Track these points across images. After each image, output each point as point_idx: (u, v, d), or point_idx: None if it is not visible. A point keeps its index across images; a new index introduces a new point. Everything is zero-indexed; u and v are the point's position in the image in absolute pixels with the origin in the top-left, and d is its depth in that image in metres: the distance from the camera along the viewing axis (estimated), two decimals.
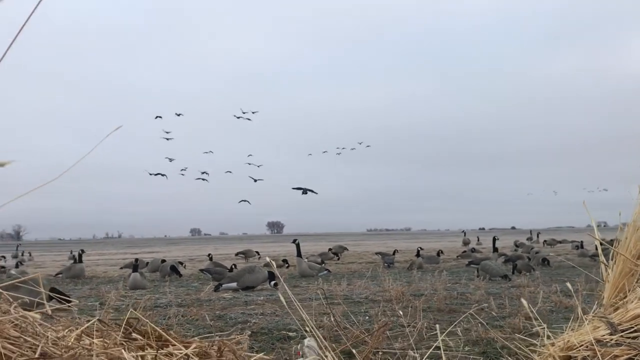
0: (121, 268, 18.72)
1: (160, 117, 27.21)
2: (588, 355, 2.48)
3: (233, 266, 14.48)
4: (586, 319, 2.76)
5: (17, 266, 19.20)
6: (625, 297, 3.11)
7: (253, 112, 28.40)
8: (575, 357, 2.52)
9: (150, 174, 26.89)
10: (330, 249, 22.30)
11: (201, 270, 14.91)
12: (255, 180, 25.18)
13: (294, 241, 15.30)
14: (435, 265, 17.14)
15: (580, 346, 2.55)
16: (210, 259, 17.86)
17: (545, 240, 31.03)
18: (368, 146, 33.33)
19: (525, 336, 3.67)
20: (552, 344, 2.74)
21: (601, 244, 3.76)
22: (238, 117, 28.36)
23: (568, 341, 2.64)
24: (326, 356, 2.35)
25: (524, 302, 3.02)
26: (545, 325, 2.98)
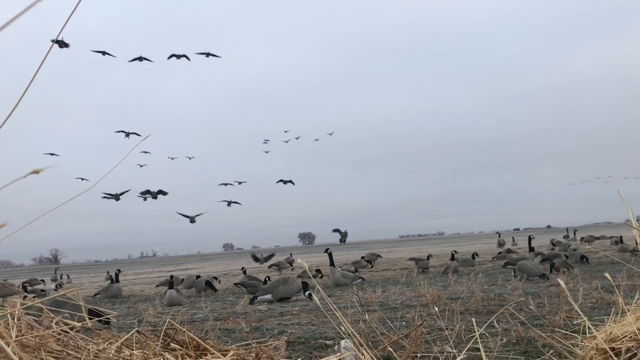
0: (157, 286, 18.94)
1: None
2: (632, 346, 2.41)
3: (267, 278, 14.51)
4: (628, 310, 2.69)
5: (56, 289, 19.60)
6: None
7: (265, 141, 29.31)
8: (619, 348, 2.46)
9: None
10: (363, 257, 22.21)
11: (235, 284, 14.99)
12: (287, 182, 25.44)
13: (326, 250, 15.28)
14: (471, 267, 16.91)
15: (623, 337, 2.48)
16: (244, 272, 17.96)
17: (582, 238, 30.37)
18: (331, 133, 33.26)
19: (567, 332, 3.60)
20: (594, 337, 2.67)
21: None
22: (265, 142, 29.24)
23: (611, 333, 2.58)
24: (364, 356, 2.34)
25: (566, 290, 2.95)
26: (586, 319, 2.91)
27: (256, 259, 27.20)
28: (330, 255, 14.91)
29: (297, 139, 29.77)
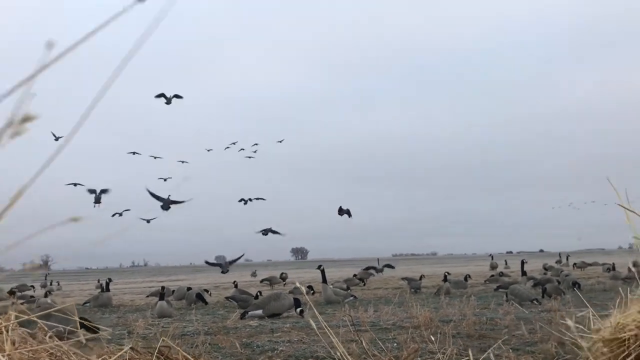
0: (147, 296, 18.82)
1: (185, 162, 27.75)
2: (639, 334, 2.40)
3: (258, 293, 14.44)
4: (631, 302, 2.68)
5: (45, 295, 19.42)
6: None
7: (254, 150, 28.94)
8: (626, 338, 2.44)
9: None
10: (355, 275, 22.15)
11: (227, 298, 14.92)
12: (248, 201, 24.95)
13: (319, 267, 15.24)
14: (463, 290, 16.87)
15: (632, 324, 2.47)
16: (236, 286, 17.86)
17: (575, 263, 30.40)
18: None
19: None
20: (598, 330, 2.66)
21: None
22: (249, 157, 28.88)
23: (618, 323, 2.56)
24: None
25: (569, 322, 2.93)
26: (591, 309, 2.91)
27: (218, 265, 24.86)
28: (322, 272, 14.87)
29: (255, 146, 29.20)
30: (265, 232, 21.35)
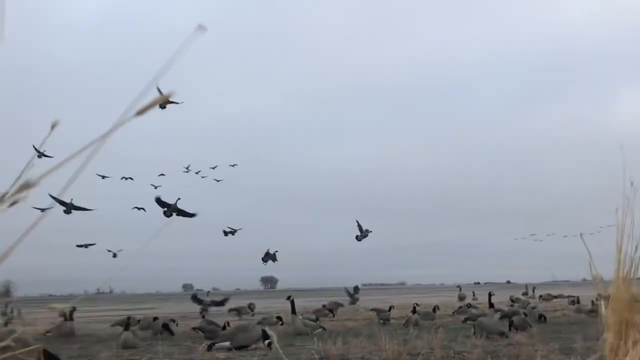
0: (112, 325, 18.37)
1: (163, 174, 27.42)
2: None
3: (226, 324, 14.26)
4: None
5: (5, 324, 18.83)
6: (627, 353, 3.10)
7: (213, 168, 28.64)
8: None
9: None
10: (324, 306, 22.05)
11: (194, 329, 14.67)
12: (232, 233, 24.71)
13: (289, 298, 15.16)
14: (432, 321, 16.94)
15: None
16: (203, 316, 17.63)
17: (541, 295, 30.82)
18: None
19: None
20: None
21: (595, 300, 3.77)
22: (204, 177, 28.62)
23: None
24: None
25: None
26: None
27: (199, 302, 23.95)
28: (292, 302, 14.79)
29: (213, 168, 29.11)
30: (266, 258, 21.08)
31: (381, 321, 17.31)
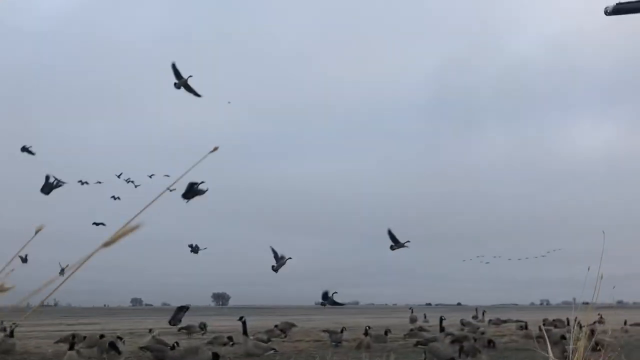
0: (56, 342, 17.73)
1: (100, 182, 26.79)
2: None
3: (175, 344, 13.95)
4: None
5: None
6: None
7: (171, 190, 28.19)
8: None
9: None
10: (276, 326, 21.80)
11: (141, 348, 14.31)
12: (195, 251, 24.21)
13: (241, 319, 14.98)
14: (384, 344, 17.02)
15: None
16: (152, 335, 17.20)
17: (490, 320, 31.29)
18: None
19: None
20: None
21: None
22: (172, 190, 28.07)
23: None
24: None
25: None
26: None
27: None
28: (244, 323, 14.63)
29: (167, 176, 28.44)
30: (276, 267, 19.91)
31: (333, 343, 17.27)
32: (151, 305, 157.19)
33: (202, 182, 16.31)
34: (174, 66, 16.56)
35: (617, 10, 1.36)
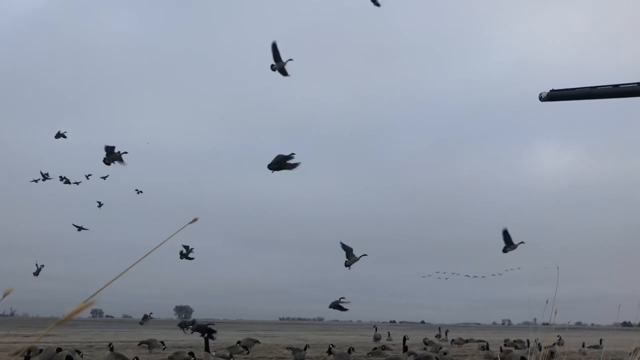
0: (11, 355, 17.17)
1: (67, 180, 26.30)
2: None
3: (135, 359, 13.68)
4: None
5: None
6: None
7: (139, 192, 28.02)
8: None
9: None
10: (239, 342, 21.55)
11: None
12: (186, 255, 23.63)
13: (203, 335, 14.79)
14: None
15: None
16: (111, 349, 16.82)
17: (453, 340, 31.54)
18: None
19: None
20: None
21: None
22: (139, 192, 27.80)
23: None
24: None
25: None
26: None
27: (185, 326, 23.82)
28: (206, 340, 14.44)
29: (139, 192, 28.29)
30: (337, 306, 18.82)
31: None
32: (112, 317, 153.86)
33: (293, 155, 15.36)
34: (274, 47, 15.69)
35: (551, 97, 1.45)
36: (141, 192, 29.32)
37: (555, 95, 1.51)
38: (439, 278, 25.63)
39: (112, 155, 17.73)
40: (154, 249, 1.68)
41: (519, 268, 23.05)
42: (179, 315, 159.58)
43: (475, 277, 25.12)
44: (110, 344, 18.06)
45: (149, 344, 21.80)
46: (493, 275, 23.38)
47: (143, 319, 32.05)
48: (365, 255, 16.74)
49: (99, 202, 26.75)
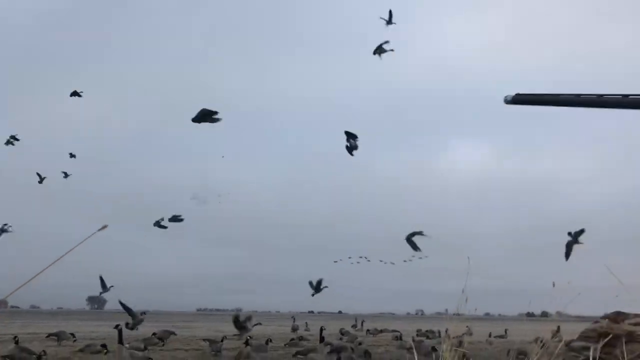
0: None
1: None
2: None
3: (42, 353, 13.14)
4: None
5: None
6: None
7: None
8: None
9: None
10: (154, 334, 21.12)
11: (3, 357, 13.32)
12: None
13: (117, 327, 14.41)
14: (264, 354, 17.08)
15: None
16: (16, 342, 16.05)
17: (368, 330, 32.36)
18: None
19: None
20: None
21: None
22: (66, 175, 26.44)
23: None
24: None
25: None
26: None
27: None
28: (120, 332, 14.09)
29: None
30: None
31: (213, 353, 17.07)
32: (18, 307, 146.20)
33: (217, 112, 15.70)
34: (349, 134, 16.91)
35: (516, 100, 1.54)
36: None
37: (519, 99, 1.59)
38: (351, 263, 26.19)
39: (204, 116, 16.66)
40: (62, 257, 1.66)
41: (426, 256, 24.21)
42: (92, 306, 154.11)
43: (386, 263, 25.81)
44: (15, 337, 17.25)
45: (58, 336, 20.94)
46: (404, 261, 24.29)
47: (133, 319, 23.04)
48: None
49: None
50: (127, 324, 20.80)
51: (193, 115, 15.40)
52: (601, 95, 1.35)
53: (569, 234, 17.62)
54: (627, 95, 1.29)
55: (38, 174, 24.35)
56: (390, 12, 18.53)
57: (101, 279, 19.13)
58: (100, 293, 20.92)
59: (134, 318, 20.09)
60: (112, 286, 20.75)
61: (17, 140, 23.03)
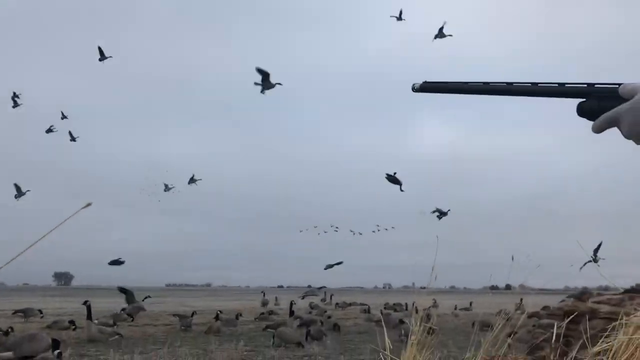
0: None
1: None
2: None
3: (9, 330, 12.99)
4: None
5: None
6: None
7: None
8: None
9: None
10: (123, 309, 21.04)
11: None
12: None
13: (85, 303, 14.31)
14: (234, 328, 17.21)
15: None
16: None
17: (337, 303, 32.80)
18: None
19: None
20: None
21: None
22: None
23: None
24: None
25: None
26: None
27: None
28: (88, 307, 14.00)
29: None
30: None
31: (183, 328, 17.12)
32: None
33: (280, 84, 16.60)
34: (261, 71, 16.42)
35: (423, 88, 1.56)
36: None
37: (427, 87, 1.59)
38: (318, 234, 26.35)
39: (267, 82, 16.44)
40: (41, 239, 1.68)
41: (392, 227, 24.67)
42: (58, 282, 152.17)
43: (355, 233, 26.15)
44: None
45: (25, 313, 20.70)
46: (373, 231, 24.72)
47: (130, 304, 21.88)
48: None
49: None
50: (123, 310, 20.62)
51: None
52: (510, 83, 1.40)
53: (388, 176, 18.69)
54: (536, 84, 1.35)
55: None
56: (400, 11, 20.25)
57: (16, 186, 18.87)
58: (16, 196, 20.53)
59: (131, 303, 19.87)
60: (28, 190, 20.51)
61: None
